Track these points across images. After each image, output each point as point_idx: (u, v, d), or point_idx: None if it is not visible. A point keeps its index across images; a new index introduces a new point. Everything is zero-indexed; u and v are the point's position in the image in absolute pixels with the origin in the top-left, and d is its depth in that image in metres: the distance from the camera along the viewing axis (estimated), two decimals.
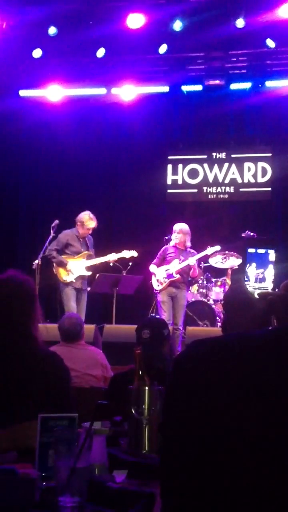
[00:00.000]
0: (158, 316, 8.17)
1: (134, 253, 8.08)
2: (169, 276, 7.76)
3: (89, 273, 7.87)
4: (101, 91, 10.14)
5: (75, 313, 6.84)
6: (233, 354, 0.78)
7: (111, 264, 8.26)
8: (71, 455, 1.48)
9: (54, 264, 7.82)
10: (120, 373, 3.36)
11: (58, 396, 2.33)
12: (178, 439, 0.76)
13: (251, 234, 8.21)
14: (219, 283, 8.77)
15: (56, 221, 8.23)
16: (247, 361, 0.76)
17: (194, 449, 0.74)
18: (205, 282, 8.74)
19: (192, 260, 7.81)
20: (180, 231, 7.90)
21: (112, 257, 7.94)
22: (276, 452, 0.70)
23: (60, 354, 2.50)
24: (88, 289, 8.00)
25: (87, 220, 7.82)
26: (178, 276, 7.72)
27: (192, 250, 7.96)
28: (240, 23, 8.75)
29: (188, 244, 7.92)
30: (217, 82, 9.83)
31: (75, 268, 7.78)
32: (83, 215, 7.88)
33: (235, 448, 0.72)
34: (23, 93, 10.29)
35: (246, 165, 10.54)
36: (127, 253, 8.04)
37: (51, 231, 8.13)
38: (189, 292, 8.73)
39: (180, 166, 10.77)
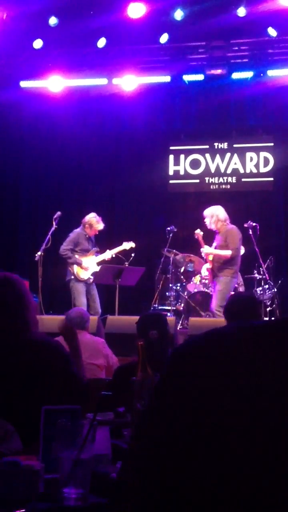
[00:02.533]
0: (153, 308, 8.21)
1: (132, 244, 8.29)
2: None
3: (100, 267, 8.19)
4: (102, 81, 10.10)
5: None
6: (232, 344, 0.77)
7: (113, 256, 8.31)
8: (75, 446, 1.48)
9: (70, 263, 8.07)
10: (124, 365, 3.37)
11: (62, 381, 2.35)
12: (163, 431, 0.75)
13: (254, 224, 8.19)
14: None
15: (58, 213, 8.27)
16: (246, 352, 0.76)
17: (175, 439, 0.73)
18: (207, 274, 8.72)
19: (108, 254, 8.04)
20: (204, 215, 7.81)
21: (116, 250, 8.21)
22: (271, 450, 0.69)
23: (65, 343, 2.54)
24: (68, 278, 8.14)
25: (96, 223, 8.17)
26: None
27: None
28: (241, 12, 8.70)
29: (212, 226, 7.72)
30: (218, 71, 9.77)
31: (90, 265, 8.13)
32: (91, 218, 8.19)
33: (220, 441, 0.71)
34: (23, 84, 10.25)
35: (248, 155, 10.50)
36: (127, 245, 8.26)
37: (54, 223, 8.16)
38: (191, 283, 8.74)
39: (182, 156, 10.74)
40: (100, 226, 8.22)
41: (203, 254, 7.70)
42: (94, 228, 8.19)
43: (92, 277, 8.14)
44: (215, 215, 7.64)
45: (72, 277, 8.08)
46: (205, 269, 7.89)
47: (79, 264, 8.06)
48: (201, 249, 7.72)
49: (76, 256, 8.08)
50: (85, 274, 8.11)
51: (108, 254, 8.21)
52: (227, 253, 7.39)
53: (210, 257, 7.55)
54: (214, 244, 7.61)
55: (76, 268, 8.07)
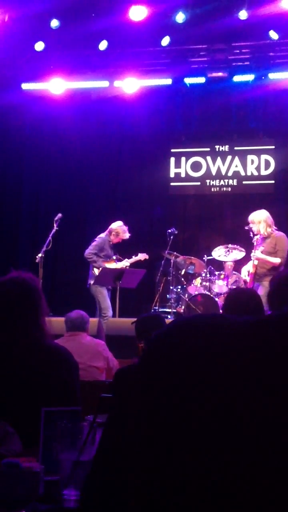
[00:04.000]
0: (153, 311, 8.22)
1: (146, 256, 8.52)
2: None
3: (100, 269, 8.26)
4: (103, 84, 10.10)
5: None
6: (201, 336, 0.76)
7: (114, 258, 8.35)
8: (75, 448, 1.49)
9: (95, 267, 8.23)
10: (124, 367, 3.35)
11: (64, 390, 2.33)
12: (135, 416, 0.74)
13: None
14: (222, 276, 8.76)
15: (59, 215, 8.28)
16: (213, 345, 0.75)
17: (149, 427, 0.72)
18: (208, 275, 8.73)
19: (126, 263, 8.19)
20: (251, 221, 7.75)
21: (133, 260, 8.42)
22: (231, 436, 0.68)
23: (65, 345, 2.52)
24: (92, 282, 8.13)
25: (122, 232, 8.35)
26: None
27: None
28: (243, 15, 8.70)
29: (261, 232, 7.55)
30: (220, 74, 9.78)
31: None
32: (119, 227, 8.35)
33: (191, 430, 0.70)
34: (25, 86, 10.26)
35: (249, 157, 10.51)
36: (142, 256, 8.50)
37: (54, 225, 8.17)
38: (192, 285, 8.74)
39: (183, 159, 10.75)
40: (126, 235, 8.39)
41: (253, 258, 7.60)
42: (120, 237, 8.35)
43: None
44: (263, 220, 7.57)
45: (96, 281, 8.19)
46: (245, 272, 7.83)
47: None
48: (252, 253, 7.63)
49: (101, 260, 8.24)
50: None
51: (127, 263, 8.35)
52: (277, 260, 7.34)
53: (256, 262, 7.50)
54: (261, 248, 7.52)
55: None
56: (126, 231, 8.38)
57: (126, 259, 8.39)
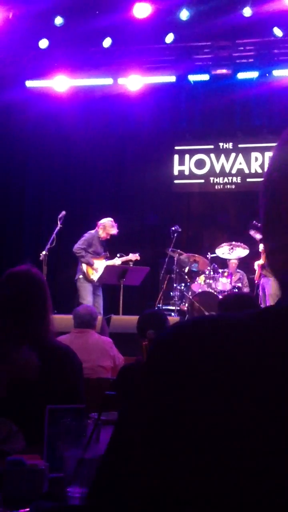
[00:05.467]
0: (157, 308, 8.22)
1: (137, 256, 8.40)
2: None
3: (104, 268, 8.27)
4: (107, 81, 10.10)
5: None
6: (205, 333, 0.75)
7: (118, 256, 8.36)
8: (79, 446, 1.49)
9: (82, 262, 8.23)
10: (128, 365, 3.36)
11: (68, 391, 2.33)
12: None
13: (258, 225, 8.17)
14: (226, 274, 8.75)
15: (63, 212, 8.28)
16: (218, 341, 0.74)
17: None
18: (212, 273, 8.73)
19: (117, 261, 8.17)
20: None
21: (124, 258, 8.36)
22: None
23: (73, 342, 2.52)
24: (80, 277, 8.22)
25: (109, 226, 8.31)
26: None
27: None
28: (247, 12, 8.68)
29: None
30: (224, 71, 9.76)
31: (100, 268, 8.26)
32: (106, 221, 8.35)
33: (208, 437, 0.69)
34: (29, 83, 10.27)
35: (253, 155, 10.49)
36: (133, 256, 8.40)
37: (58, 222, 8.18)
38: (196, 283, 8.73)
39: (186, 156, 10.73)
40: (113, 230, 8.35)
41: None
42: (107, 231, 8.32)
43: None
44: None
45: (81, 276, 8.23)
46: (256, 265, 7.91)
47: (91, 265, 8.23)
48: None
49: (89, 256, 8.23)
50: (94, 276, 8.25)
51: (118, 261, 8.33)
52: None
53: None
54: None
55: (87, 268, 8.23)
56: (114, 226, 8.35)
57: (117, 257, 8.36)
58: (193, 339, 0.74)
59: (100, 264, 8.29)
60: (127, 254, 8.43)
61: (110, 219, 8.40)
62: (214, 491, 0.67)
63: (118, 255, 8.40)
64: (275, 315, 0.75)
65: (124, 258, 8.38)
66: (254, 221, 8.27)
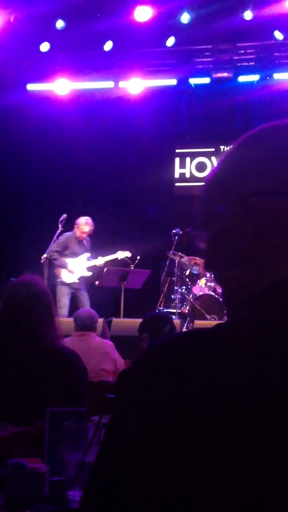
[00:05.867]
0: (158, 311, 8.21)
1: (127, 254, 8.36)
2: None
3: (90, 273, 8.28)
4: (108, 84, 10.11)
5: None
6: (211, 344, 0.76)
7: (119, 259, 8.35)
8: (80, 449, 1.49)
9: (55, 265, 8.16)
10: (127, 368, 3.35)
11: (72, 395, 2.34)
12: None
13: None
14: None
15: (64, 215, 8.29)
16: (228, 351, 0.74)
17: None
18: (213, 276, 8.72)
19: (100, 261, 8.08)
20: None
21: (108, 257, 8.29)
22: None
23: (75, 346, 2.54)
24: (97, 283, 8.15)
25: (83, 224, 8.24)
26: None
27: None
28: (248, 15, 8.69)
29: None
30: (225, 74, 9.78)
31: (77, 269, 8.17)
32: (80, 219, 8.30)
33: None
34: (30, 87, 10.28)
35: None
36: (121, 254, 8.34)
37: (59, 225, 8.18)
38: (197, 285, 8.73)
39: (187, 159, 10.74)
40: (86, 228, 8.25)
41: None
42: (80, 229, 8.25)
43: (78, 281, 8.21)
44: None
45: (58, 280, 8.17)
46: None
47: (64, 267, 8.15)
48: None
49: (63, 259, 8.16)
50: (70, 278, 8.17)
51: (100, 261, 8.25)
52: None
53: None
54: None
55: (60, 270, 8.16)
56: (88, 224, 8.24)
57: (100, 257, 8.29)
58: (193, 340, 0.75)
59: (79, 265, 8.21)
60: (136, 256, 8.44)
61: (85, 217, 8.32)
62: (214, 491, 0.67)
63: (130, 259, 8.38)
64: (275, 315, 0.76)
65: (109, 257, 8.28)
66: None
